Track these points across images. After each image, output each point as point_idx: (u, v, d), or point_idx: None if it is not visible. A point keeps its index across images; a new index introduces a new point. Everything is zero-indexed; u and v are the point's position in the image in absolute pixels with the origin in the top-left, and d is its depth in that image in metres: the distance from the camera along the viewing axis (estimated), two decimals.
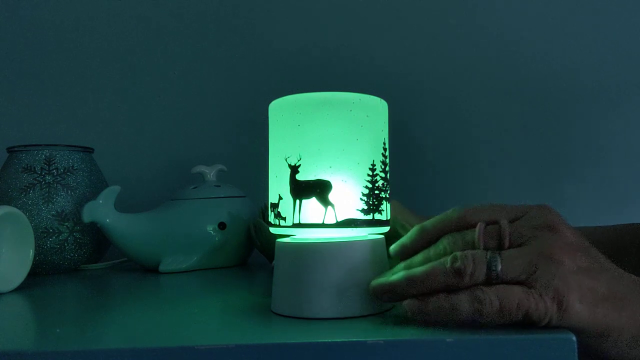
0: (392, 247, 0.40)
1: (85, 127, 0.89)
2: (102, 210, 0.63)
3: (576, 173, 0.87)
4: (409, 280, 0.35)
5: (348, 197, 0.38)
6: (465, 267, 0.33)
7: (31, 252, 0.57)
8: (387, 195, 0.41)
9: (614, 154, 0.87)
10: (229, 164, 0.76)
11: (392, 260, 0.41)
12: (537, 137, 0.88)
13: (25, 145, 0.68)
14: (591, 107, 0.87)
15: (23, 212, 0.57)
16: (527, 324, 0.33)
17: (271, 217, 0.41)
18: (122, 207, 0.65)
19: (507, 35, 0.88)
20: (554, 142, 0.87)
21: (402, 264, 0.38)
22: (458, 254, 0.34)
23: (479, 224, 0.36)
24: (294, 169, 0.39)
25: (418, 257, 0.38)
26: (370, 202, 0.39)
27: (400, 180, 0.79)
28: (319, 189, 0.38)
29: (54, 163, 0.67)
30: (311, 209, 0.38)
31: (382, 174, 0.40)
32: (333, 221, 0.38)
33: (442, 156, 0.88)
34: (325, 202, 0.38)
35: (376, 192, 0.39)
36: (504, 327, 0.33)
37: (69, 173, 0.68)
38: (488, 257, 0.34)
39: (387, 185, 0.41)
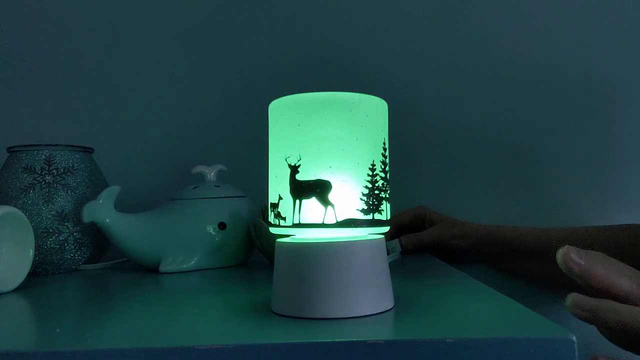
0: None
1: (85, 127, 0.89)
2: (102, 210, 0.63)
3: (578, 173, 0.87)
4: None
5: (348, 197, 0.38)
6: None
7: (31, 252, 0.57)
8: (387, 195, 0.41)
9: (617, 158, 0.87)
10: (229, 164, 0.76)
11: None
12: (538, 136, 0.87)
13: (25, 145, 0.68)
14: (592, 106, 0.87)
15: (23, 212, 0.57)
16: None
17: (271, 217, 0.41)
18: (122, 207, 0.65)
19: (507, 34, 0.88)
20: (554, 142, 0.87)
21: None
22: None
23: None
24: (294, 169, 0.39)
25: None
26: (370, 202, 0.39)
27: (400, 180, 0.79)
28: (319, 189, 0.38)
29: (54, 163, 0.67)
30: (311, 209, 0.38)
31: (382, 174, 0.40)
32: (333, 221, 0.38)
33: (442, 156, 0.88)
34: (325, 202, 0.38)
35: (376, 192, 0.39)
36: (504, 328, 0.33)
37: (69, 173, 0.68)
38: None
39: (387, 185, 0.41)
